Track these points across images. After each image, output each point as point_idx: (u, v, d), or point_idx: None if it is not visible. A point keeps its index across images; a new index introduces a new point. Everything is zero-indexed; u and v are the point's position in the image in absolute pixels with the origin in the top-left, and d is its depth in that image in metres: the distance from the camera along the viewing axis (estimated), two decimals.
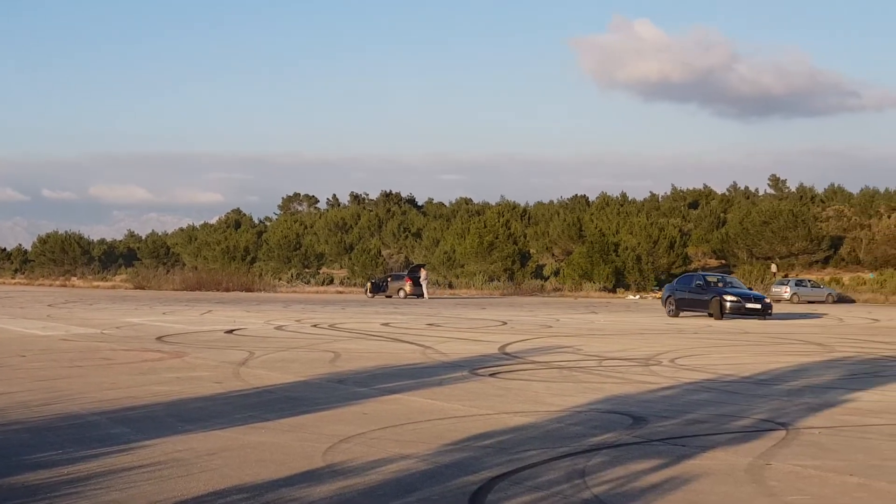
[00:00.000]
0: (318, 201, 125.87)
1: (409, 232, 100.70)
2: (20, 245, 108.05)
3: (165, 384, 13.92)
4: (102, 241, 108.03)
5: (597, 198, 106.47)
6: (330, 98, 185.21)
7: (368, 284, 61.97)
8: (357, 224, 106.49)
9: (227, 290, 66.83)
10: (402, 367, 16.61)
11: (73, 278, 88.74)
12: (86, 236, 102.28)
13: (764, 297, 37.13)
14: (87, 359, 17.58)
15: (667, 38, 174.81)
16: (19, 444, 9.30)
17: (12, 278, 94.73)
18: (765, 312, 35.64)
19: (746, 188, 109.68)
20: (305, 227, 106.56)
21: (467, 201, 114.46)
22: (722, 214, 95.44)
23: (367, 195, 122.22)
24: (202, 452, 8.95)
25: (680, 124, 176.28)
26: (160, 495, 7.42)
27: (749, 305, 35.43)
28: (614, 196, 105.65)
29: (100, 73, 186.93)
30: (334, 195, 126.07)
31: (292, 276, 79.59)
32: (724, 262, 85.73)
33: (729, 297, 35.49)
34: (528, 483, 7.78)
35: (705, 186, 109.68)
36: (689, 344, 22.51)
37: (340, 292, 69.26)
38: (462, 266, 78.70)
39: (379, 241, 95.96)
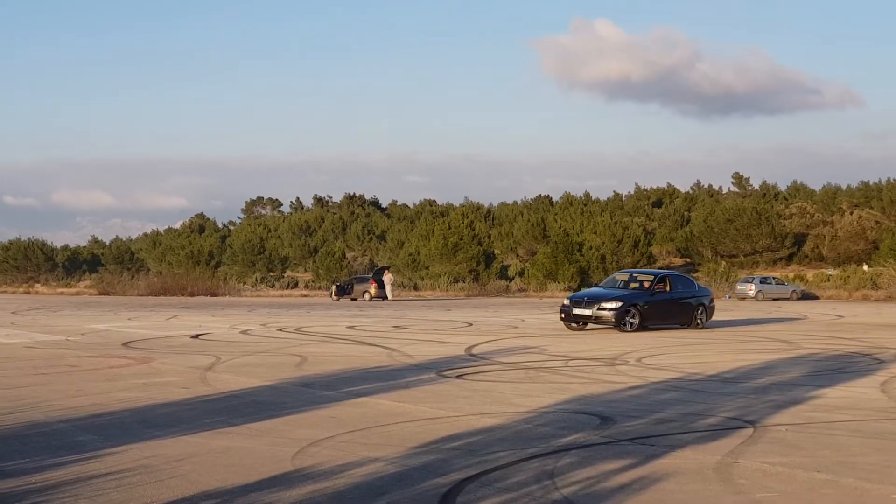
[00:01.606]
0: (281, 205, 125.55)
1: (374, 234, 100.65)
2: None
3: (132, 390, 13.84)
4: (66, 248, 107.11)
5: (560, 198, 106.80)
6: (291, 100, 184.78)
7: (333, 287, 61.82)
8: (321, 227, 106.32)
9: (192, 294, 66.47)
10: (369, 369, 16.59)
11: (37, 285, 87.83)
12: (49, 243, 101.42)
13: (615, 301, 26.69)
14: (52, 366, 17.43)
15: (628, 37, 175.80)
16: None
17: None
18: (616, 323, 26.35)
19: (710, 186, 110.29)
20: (269, 231, 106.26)
21: (431, 203, 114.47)
22: (686, 213, 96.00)
23: (331, 198, 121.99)
24: (171, 458, 8.91)
25: (642, 123, 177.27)
26: (129, 502, 7.38)
27: (577, 312, 26.99)
28: (578, 196, 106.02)
29: (59, 77, 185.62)
30: (297, 198, 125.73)
31: (257, 280, 79.23)
32: (688, 260, 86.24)
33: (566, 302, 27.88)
34: (497, 485, 7.80)
35: (669, 185, 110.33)
36: (655, 343, 22.61)
37: (305, 295, 69.04)
38: (427, 267, 78.68)
39: (343, 243, 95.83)
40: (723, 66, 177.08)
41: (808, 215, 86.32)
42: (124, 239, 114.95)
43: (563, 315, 27.45)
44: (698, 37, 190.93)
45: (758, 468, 8.50)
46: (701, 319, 28.36)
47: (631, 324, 26.28)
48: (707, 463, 8.69)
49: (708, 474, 8.25)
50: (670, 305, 27.94)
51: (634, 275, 30.18)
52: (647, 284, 28.44)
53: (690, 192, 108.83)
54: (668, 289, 28.22)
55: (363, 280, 61.80)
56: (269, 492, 7.61)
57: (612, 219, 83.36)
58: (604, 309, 26.40)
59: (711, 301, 29.64)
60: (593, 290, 30.30)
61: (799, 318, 36.35)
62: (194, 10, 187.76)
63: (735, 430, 10.39)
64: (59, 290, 79.75)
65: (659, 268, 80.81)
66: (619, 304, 26.43)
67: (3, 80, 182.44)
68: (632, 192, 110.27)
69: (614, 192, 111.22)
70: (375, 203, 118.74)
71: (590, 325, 27.18)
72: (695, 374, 15.91)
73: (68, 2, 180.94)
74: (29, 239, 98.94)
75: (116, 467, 8.56)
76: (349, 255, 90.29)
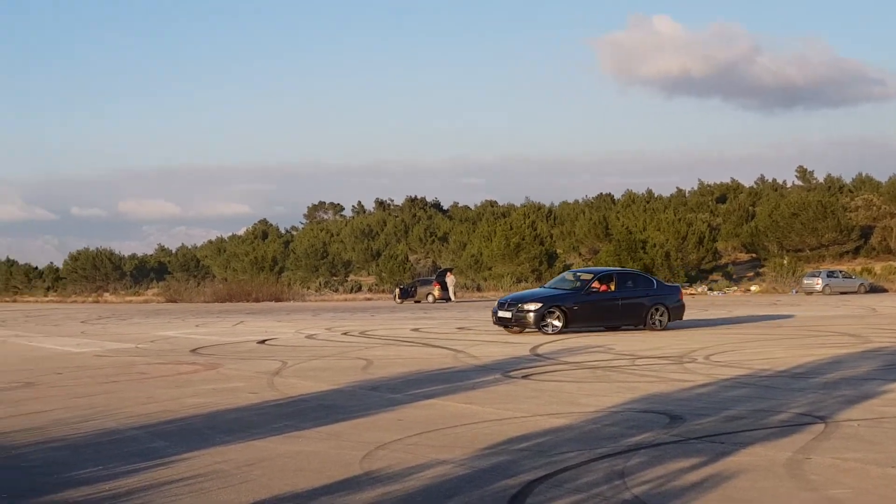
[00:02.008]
0: (343, 209, 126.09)
1: (436, 236, 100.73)
2: (51, 263, 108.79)
3: (201, 396, 13.97)
4: (133, 257, 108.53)
5: (622, 195, 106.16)
6: (351, 105, 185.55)
7: (397, 290, 62.00)
8: (383, 230, 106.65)
9: (257, 300, 67.02)
10: (435, 371, 16.61)
11: (106, 294, 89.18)
12: (117, 252, 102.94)
13: (535, 303, 25.45)
14: (123, 374, 17.67)
15: (686, 32, 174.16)
16: (60, 462, 9.36)
17: (45, 296, 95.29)
18: (536, 325, 25.03)
19: (774, 180, 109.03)
20: (332, 235, 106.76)
21: (492, 204, 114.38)
22: (750, 208, 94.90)
23: (392, 201, 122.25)
24: (241, 463, 8.99)
25: (704, 119, 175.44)
26: None
27: (500, 314, 26.02)
28: (640, 193, 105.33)
29: (122, 87, 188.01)
30: (359, 202, 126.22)
31: (320, 285, 79.71)
32: (754, 255, 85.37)
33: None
34: (567, 485, 7.77)
35: (732, 180, 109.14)
36: (723, 340, 22.41)
37: (369, 299, 69.33)
38: (489, 268, 78.66)
39: (406, 246, 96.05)
40: (783, 58, 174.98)
41: (874, 208, 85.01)
42: (189, 246, 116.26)
43: (493, 318, 26.54)
44: (757, 30, 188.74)
45: (830, 464, 8.39)
46: (659, 320, 26.12)
47: (553, 326, 24.89)
48: (778, 460, 8.59)
49: (779, 471, 8.16)
50: (609, 306, 26.05)
51: (577, 274, 28.45)
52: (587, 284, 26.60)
53: (754, 186, 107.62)
54: (611, 288, 26.38)
55: (426, 282, 61.92)
56: (338, 495, 7.65)
57: (675, 215, 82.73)
58: (523, 311, 25.24)
59: (677, 301, 27.19)
60: (525, 291, 29.11)
61: (866, 314, 35.84)
62: (255, 16, 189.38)
63: (806, 426, 10.26)
64: (128, 298, 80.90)
65: (725, 263, 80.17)
66: (539, 305, 25.21)
67: (68, 93, 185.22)
68: (695, 188, 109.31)
69: (677, 188, 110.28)
70: (437, 205, 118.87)
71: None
72: (764, 371, 15.74)
73: (129, 9, 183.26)
74: (97, 249, 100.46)
75: (188, 473, 8.65)
76: (412, 257, 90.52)
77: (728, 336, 23.61)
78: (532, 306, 25.17)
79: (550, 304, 25.24)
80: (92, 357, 21.75)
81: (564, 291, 26.45)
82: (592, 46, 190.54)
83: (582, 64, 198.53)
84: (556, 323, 24.96)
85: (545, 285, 30.16)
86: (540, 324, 24.86)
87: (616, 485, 7.75)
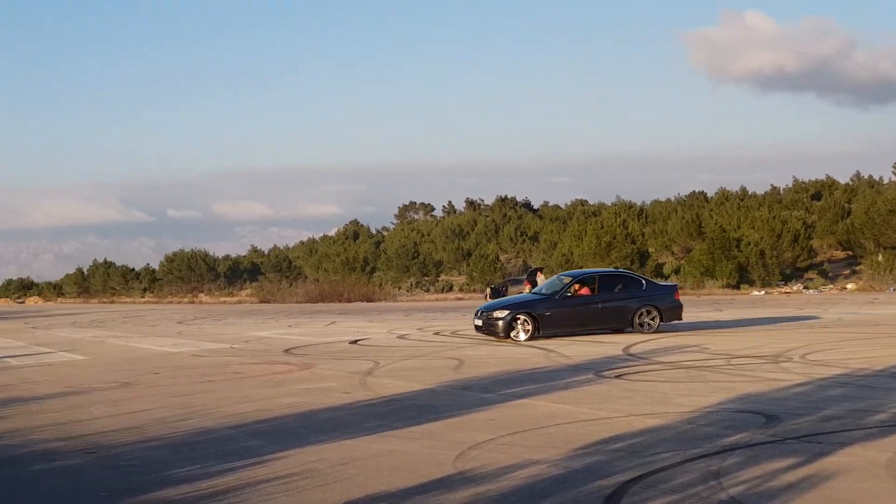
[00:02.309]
0: (433, 209, 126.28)
1: (526, 236, 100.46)
2: (148, 264, 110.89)
3: (295, 396, 14.13)
4: (227, 258, 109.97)
5: (715, 193, 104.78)
6: (440, 105, 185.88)
7: (488, 290, 61.80)
8: (474, 230, 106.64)
9: (349, 300, 67.50)
10: (527, 371, 16.59)
11: (201, 295, 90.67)
12: (211, 253, 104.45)
13: (503, 310, 24.74)
14: (218, 374, 17.94)
15: (779, 28, 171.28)
16: (159, 461, 9.54)
17: (141, 297, 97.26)
18: (504, 333, 24.13)
19: (870, 176, 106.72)
20: (422, 235, 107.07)
21: (582, 202, 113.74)
22: (846, 205, 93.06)
23: (483, 201, 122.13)
24: (335, 462, 9.07)
25: (798, 115, 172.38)
26: None
27: (475, 322, 25.71)
28: (733, 191, 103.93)
29: (217, 92, 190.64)
30: (449, 202, 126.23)
31: (412, 285, 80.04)
32: (850, 253, 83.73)
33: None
34: (662, 486, 7.71)
35: (828, 177, 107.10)
36: (820, 338, 22.02)
37: (460, 299, 69.41)
38: (580, 267, 78.27)
39: (496, 245, 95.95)
40: (879, 53, 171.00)
41: None
42: (282, 247, 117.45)
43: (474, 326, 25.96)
44: (851, 25, 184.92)
45: None
46: (648, 322, 25.17)
47: (522, 332, 23.92)
48: (878, 460, 8.43)
49: (880, 472, 8.01)
50: (587, 309, 25.10)
51: (562, 277, 27.53)
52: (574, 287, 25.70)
53: (850, 183, 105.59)
54: (593, 291, 25.55)
55: (517, 282, 61.67)
56: (432, 494, 7.67)
57: (770, 213, 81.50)
58: (492, 319, 24.60)
59: (671, 301, 26.17)
60: (507, 297, 28.17)
61: None
62: (344, 17, 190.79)
63: None
64: (222, 299, 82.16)
65: (820, 261, 78.80)
66: (506, 312, 24.42)
67: (163, 96, 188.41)
68: (789, 185, 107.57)
69: (771, 185, 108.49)
70: (527, 205, 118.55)
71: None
72: (862, 370, 15.43)
73: (220, 10, 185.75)
74: (192, 250, 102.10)
75: (283, 472, 8.75)
76: (502, 257, 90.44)
77: (825, 335, 23.19)
78: (500, 314, 24.51)
79: (518, 311, 24.46)
80: (188, 357, 22.12)
81: (538, 297, 26.00)
82: (683, 42, 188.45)
83: (672, 60, 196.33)
84: (524, 330, 24.06)
85: (535, 290, 29.05)
86: (508, 331, 24.01)
87: (712, 485, 7.67)
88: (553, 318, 24.59)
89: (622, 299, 25.57)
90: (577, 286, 25.65)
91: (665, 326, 25.20)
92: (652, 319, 25.34)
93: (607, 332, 25.12)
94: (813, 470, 8.11)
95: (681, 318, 26.53)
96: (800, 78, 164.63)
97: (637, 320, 25.18)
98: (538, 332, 24.00)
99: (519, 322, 24.10)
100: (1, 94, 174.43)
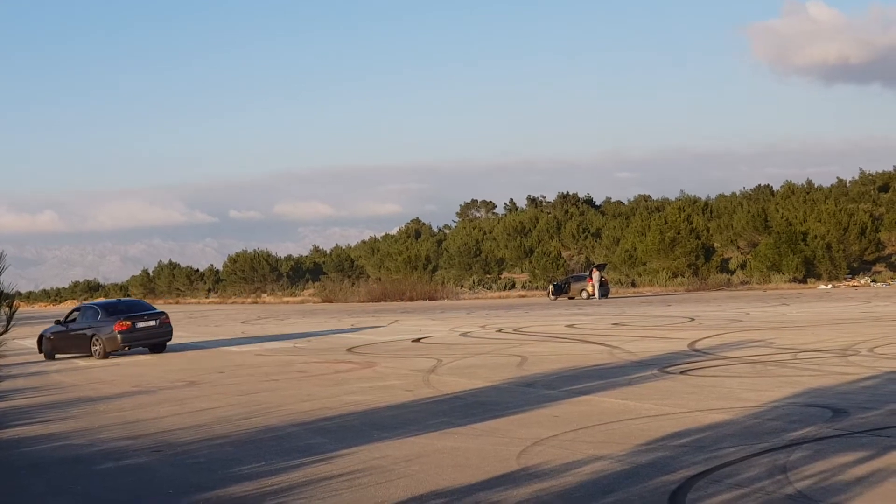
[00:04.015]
0: (495, 206, 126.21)
1: (589, 232, 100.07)
2: (212, 265, 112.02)
3: (358, 394, 14.18)
4: (289, 258, 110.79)
5: (781, 186, 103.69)
6: (500, 104, 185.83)
7: (550, 287, 61.77)
8: (535, 227, 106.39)
9: (411, 299, 67.66)
10: (590, 367, 16.50)
11: (264, 295, 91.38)
12: (273, 253, 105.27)
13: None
14: (282, 372, 18.06)
15: (844, 18, 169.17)
16: (225, 458, 9.61)
17: (206, 297, 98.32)
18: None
19: None
20: (484, 233, 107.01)
21: (646, 198, 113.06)
22: None
23: (545, 198, 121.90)
24: (399, 459, 9.08)
25: (863, 106, 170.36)
26: (361, 503, 7.56)
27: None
28: (799, 184, 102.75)
29: (279, 95, 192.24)
30: (511, 199, 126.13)
31: (474, 283, 79.99)
32: None
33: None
34: (727, 481, 7.62)
35: (895, 168, 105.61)
36: (889, 332, 21.67)
37: (522, 296, 69.28)
38: (644, 264, 77.74)
39: (558, 242, 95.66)
40: None
41: None
42: (343, 247, 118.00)
43: None
44: None
45: None
46: (95, 350, 24.94)
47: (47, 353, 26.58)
48: None
49: None
50: (72, 336, 26.16)
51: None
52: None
53: None
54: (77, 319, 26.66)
55: (580, 279, 61.54)
56: (496, 490, 7.65)
57: (836, 206, 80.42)
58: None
59: (111, 332, 24.65)
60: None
61: None
62: (406, 21, 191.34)
63: None
64: (285, 298, 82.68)
65: (888, 254, 77.63)
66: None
67: (226, 100, 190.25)
68: (856, 178, 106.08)
69: (837, 178, 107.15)
70: (589, 201, 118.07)
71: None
72: None
73: (288, 14, 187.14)
74: (254, 250, 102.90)
75: (347, 468, 8.78)
76: (564, 254, 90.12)
77: (894, 329, 22.81)
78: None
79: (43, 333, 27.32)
80: (252, 356, 22.29)
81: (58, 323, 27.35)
82: (746, 35, 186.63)
83: (735, 53, 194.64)
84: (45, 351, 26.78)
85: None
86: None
87: (778, 479, 7.57)
88: (56, 342, 26.74)
89: (82, 329, 26.21)
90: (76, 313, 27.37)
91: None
92: (94, 346, 25.44)
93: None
94: (881, 464, 7.98)
95: (124, 349, 25.43)
96: (864, 69, 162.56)
97: (92, 347, 25.48)
98: (49, 356, 26.62)
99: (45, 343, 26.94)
100: (70, 101, 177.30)
